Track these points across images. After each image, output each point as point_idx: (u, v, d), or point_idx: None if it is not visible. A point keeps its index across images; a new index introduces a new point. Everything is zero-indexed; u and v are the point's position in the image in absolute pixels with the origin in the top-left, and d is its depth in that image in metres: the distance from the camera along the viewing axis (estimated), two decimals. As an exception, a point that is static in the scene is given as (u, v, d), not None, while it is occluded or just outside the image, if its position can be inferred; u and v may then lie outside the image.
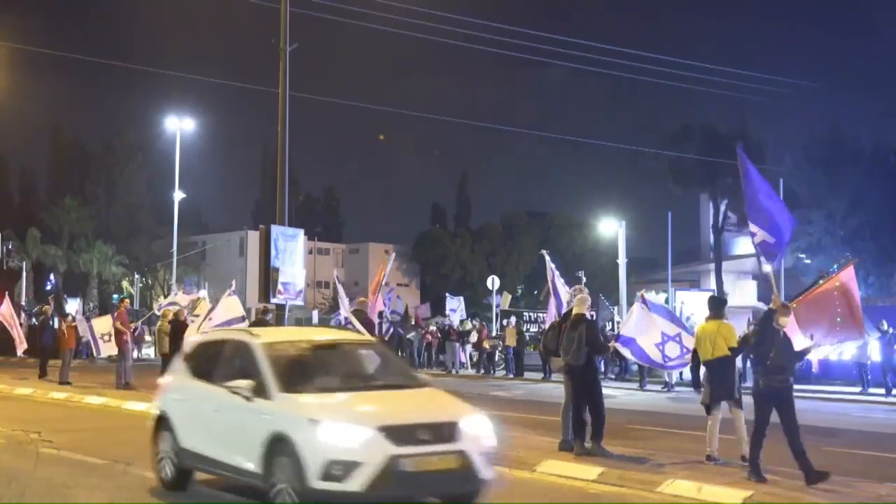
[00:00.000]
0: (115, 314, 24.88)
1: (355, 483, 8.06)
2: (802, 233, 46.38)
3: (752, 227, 12.24)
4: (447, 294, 41.43)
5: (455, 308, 37.96)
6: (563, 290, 15.34)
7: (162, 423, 10.47)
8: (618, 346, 14.76)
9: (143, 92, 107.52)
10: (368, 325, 16.45)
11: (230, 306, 21.92)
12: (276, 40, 19.22)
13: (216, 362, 10.24)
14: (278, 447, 8.51)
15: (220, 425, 9.64)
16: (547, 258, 17.00)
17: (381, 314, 23.53)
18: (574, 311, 12.59)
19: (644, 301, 14.35)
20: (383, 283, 20.18)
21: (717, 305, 12.00)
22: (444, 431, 8.61)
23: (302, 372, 9.43)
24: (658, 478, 10.56)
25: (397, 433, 8.27)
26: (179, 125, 46.39)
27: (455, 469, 8.54)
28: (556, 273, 16.19)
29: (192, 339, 12.91)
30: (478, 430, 8.83)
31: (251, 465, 8.89)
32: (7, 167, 72.83)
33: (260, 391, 9.03)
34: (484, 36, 43.16)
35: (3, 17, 71.32)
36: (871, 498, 9.79)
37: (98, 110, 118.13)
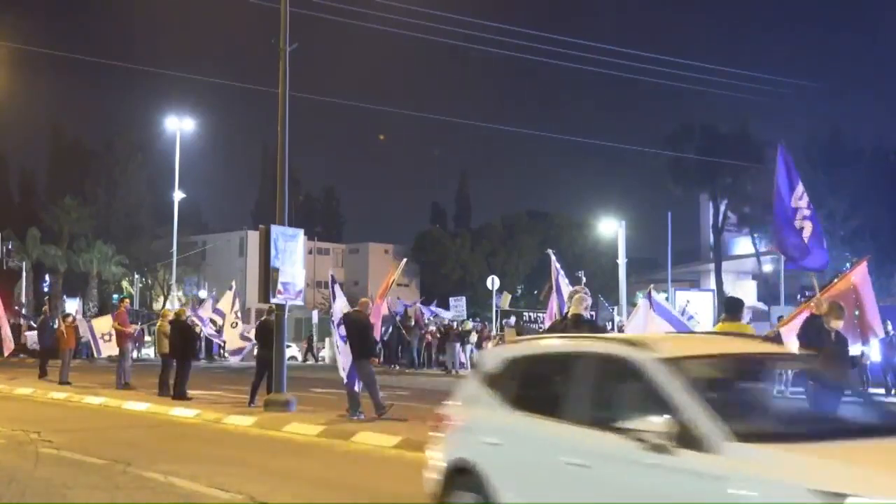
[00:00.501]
0: (115, 314, 24.91)
1: None
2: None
3: (781, 225, 11.88)
4: (450, 298, 41.43)
5: (435, 311, 37.98)
6: (567, 290, 15.31)
7: (462, 478, 6.95)
8: None
9: (143, 92, 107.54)
10: (366, 328, 16.43)
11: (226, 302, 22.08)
12: (276, 40, 19.19)
13: (564, 386, 6.76)
14: None
15: (598, 490, 5.95)
16: (553, 257, 17.03)
17: (388, 317, 23.61)
18: (570, 311, 12.60)
19: (650, 298, 14.09)
20: (392, 286, 20.10)
21: (736, 306, 11.56)
22: None
23: (746, 407, 6.27)
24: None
25: None
26: (179, 125, 46.43)
27: None
28: (561, 272, 16.18)
29: (498, 351, 9.83)
30: None
31: None
32: (7, 167, 72.90)
33: (687, 439, 5.48)
34: (484, 36, 43.19)
35: (3, 17, 71.33)
36: (870, 498, 9.73)
37: (98, 110, 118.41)
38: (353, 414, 16.06)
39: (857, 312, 11.72)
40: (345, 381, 16.34)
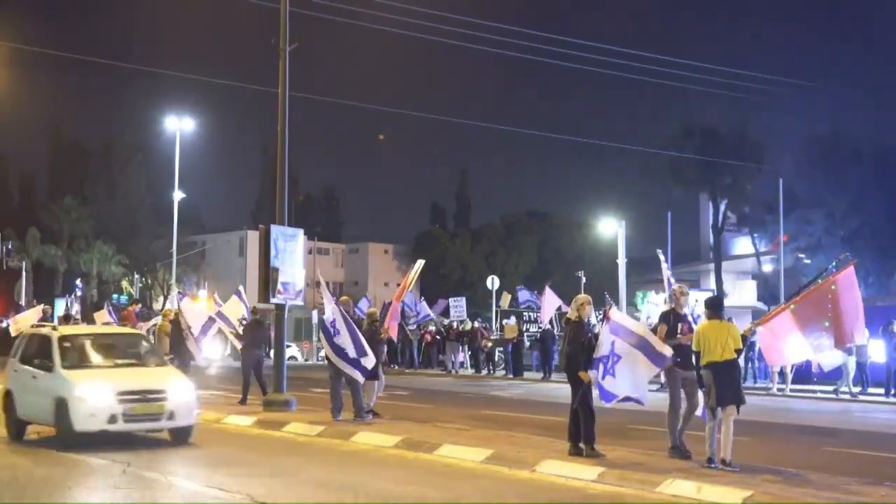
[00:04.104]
0: (124, 314, 25.07)
1: None
2: (802, 233, 46.44)
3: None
4: (450, 298, 41.38)
5: (422, 312, 37.86)
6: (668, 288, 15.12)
7: None
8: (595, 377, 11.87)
9: (143, 92, 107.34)
10: (354, 325, 16.46)
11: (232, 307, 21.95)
12: (276, 40, 19.19)
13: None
14: None
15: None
16: (661, 257, 17.61)
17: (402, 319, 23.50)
18: (567, 315, 12.64)
19: (606, 319, 12.16)
20: (409, 289, 19.98)
21: (719, 305, 11.72)
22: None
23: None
24: (658, 478, 10.55)
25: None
26: (179, 125, 46.39)
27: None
28: (671, 271, 16.27)
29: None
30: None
31: None
32: (7, 167, 72.83)
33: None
34: (484, 36, 43.12)
35: (3, 17, 71.28)
36: (871, 498, 9.79)
37: (98, 110, 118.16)
38: (358, 415, 16.04)
39: (826, 323, 11.56)
40: (361, 379, 16.02)
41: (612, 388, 11.81)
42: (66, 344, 13.99)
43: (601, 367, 11.70)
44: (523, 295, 38.52)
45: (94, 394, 12.78)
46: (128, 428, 13.01)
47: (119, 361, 14.25)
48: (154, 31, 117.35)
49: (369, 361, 15.71)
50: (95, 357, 14.24)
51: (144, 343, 15.41)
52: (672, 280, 15.81)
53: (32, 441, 13.85)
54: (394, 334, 17.99)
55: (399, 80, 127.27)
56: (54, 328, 15.10)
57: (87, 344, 14.51)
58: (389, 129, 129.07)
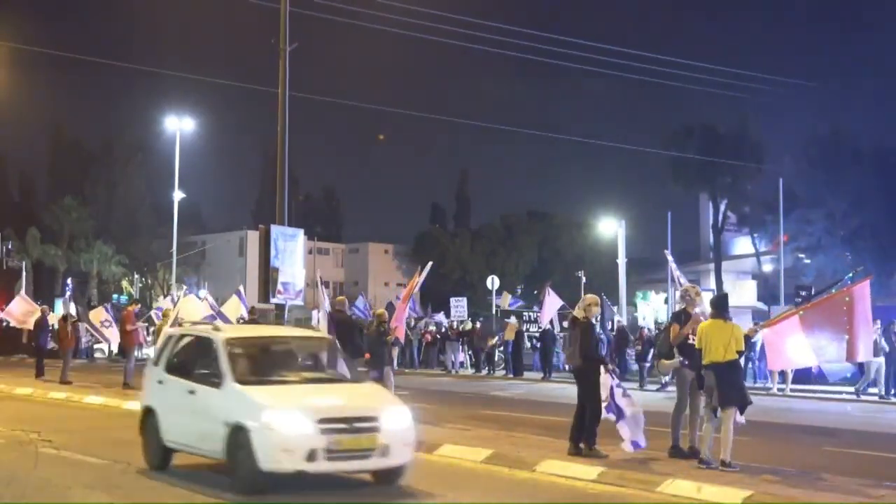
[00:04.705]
0: (123, 314, 25.12)
1: None
2: (802, 233, 46.43)
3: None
4: (451, 298, 41.38)
5: (422, 313, 37.94)
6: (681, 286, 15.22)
7: None
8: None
9: (143, 92, 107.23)
10: (351, 327, 16.50)
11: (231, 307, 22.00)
12: (276, 40, 19.20)
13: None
14: None
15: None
16: (669, 258, 17.71)
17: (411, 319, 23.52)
18: (573, 314, 12.66)
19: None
20: (416, 290, 20.01)
21: (724, 305, 11.55)
22: None
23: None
24: (658, 478, 10.55)
25: None
26: (179, 125, 46.40)
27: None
28: (679, 270, 16.33)
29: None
30: None
31: None
32: (7, 167, 72.80)
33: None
34: (484, 36, 43.13)
35: (3, 17, 71.24)
36: (871, 498, 9.79)
37: (98, 110, 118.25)
38: None
39: (845, 336, 11.56)
40: None
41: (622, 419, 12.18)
42: (237, 350, 10.66)
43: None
44: (512, 300, 38.82)
45: (289, 421, 9.40)
46: (330, 468, 9.56)
47: (307, 374, 11.05)
48: (154, 31, 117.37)
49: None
50: (276, 368, 11.03)
51: (330, 349, 12.00)
52: (682, 280, 15.81)
53: (32, 441, 13.81)
54: (401, 335, 17.91)
55: (399, 80, 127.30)
56: (216, 328, 11.73)
57: (264, 350, 11.37)
58: (389, 129, 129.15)
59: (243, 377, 10.19)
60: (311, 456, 9.27)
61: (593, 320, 12.57)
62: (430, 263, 19.33)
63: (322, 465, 9.38)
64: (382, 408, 9.98)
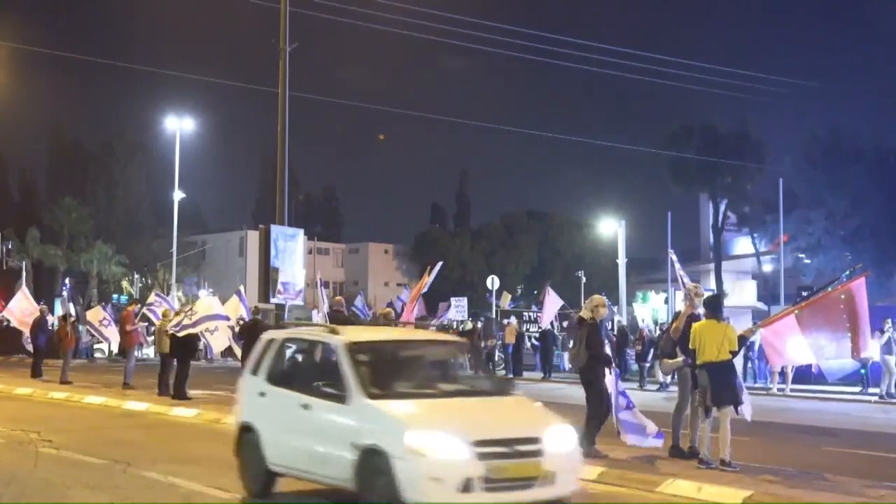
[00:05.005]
0: (123, 314, 25.15)
1: None
2: (802, 233, 46.43)
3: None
4: (451, 298, 41.39)
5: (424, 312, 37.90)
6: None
7: None
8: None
9: (143, 92, 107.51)
10: (345, 324, 16.51)
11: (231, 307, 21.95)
12: (276, 40, 19.20)
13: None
14: None
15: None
16: (674, 257, 17.50)
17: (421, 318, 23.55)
18: (580, 314, 12.70)
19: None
20: (424, 290, 19.99)
21: (717, 306, 11.65)
22: None
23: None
24: (658, 478, 10.55)
25: None
26: (179, 125, 46.41)
27: None
28: (682, 270, 16.36)
29: None
30: None
31: None
32: (7, 167, 72.75)
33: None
34: (484, 36, 43.16)
35: (3, 17, 71.22)
36: (871, 498, 9.79)
37: (98, 110, 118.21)
38: None
39: (846, 333, 11.56)
40: None
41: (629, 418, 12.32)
42: (362, 356, 9.04)
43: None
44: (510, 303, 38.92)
45: (439, 444, 7.84)
46: (489, 500, 7.95)
47: (445, 386, 9.36)
48: (154, 31, 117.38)
49: None
50: (409, 378, 9.33)
51: (472, 355, 10.71)
52: (686, 280, 15.87)
53: (32, 441, 13.80)
54: None
55: (399, 80, 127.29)
56: (332, 329, 9.76)
57: (394, 357, 9.70)
58: (389, 129, 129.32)
59: (374, 390, 8.58)
60: (467, 486, 7.76)
61: (603, 321, 12.60)
62: (439, 263, 19.27)
63: (479, 497, 7.84)
64: (545, 427, 8.45)
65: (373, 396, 8.47)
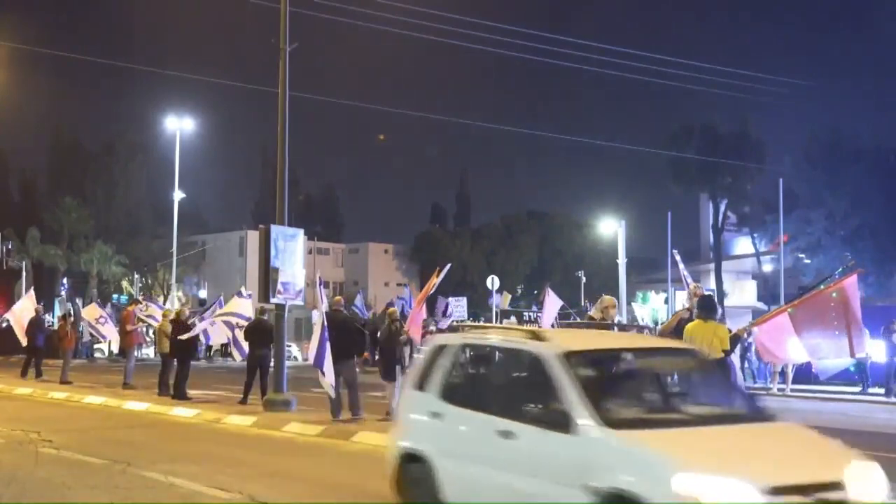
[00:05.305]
0: (123, 314, 25.21)
1: None
2: (802, 233, 46.47)
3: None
4: (451, 298, 41.40)
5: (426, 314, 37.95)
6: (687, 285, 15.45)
7: None
8: None
9: (143, 92, 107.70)
10: (349, 327, 16.49)
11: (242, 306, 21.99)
12: (276, 40, 19.18)
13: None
14: None
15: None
16: (677, 257, 17.78)
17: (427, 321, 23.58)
18: (589, 314, 12.74)
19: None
20: (431, 292, 19.96)
21: (708, 307, 11.52)
22: None
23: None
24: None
25: None
26: (179, 125, 46.45)
27: None
28: (685, 270, 16.37)
29: None
30: None
31: None
32: (7, 167, 72.78)
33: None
34: (484, 36, 43.17)
35: (3, 17, 71.27)
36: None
37: (98, 110, 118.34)
38: (338, 415, 15.99)
39: (837, 332, 11.54)
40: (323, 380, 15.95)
41: None
42: (586, 371, 7.12)
43: None
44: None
45: (722, 491, 5.88)
46: None
47: (697, 410, 7.23)
48: (154, 31, 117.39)
49: (327, 376, 15.72)
50: (648, 400, 7.45)
51: (720, 369, 9.18)
52: (689, 280, 15.89)
53: (32, 441, 13.81)
54: (417, 338, 17.55)
55: (399, 80, 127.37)
56: (536, 335, 7.63)
57: (624, 371, 7.81)
58: (389, 129, 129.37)
59: (610, 415, 6.66)
60: None
61: (613, 322, 12.58)
62: (448, 266, 19.28)
63: None
64: (845, 465, 6.48)
65: (611, 424, 6.55)
